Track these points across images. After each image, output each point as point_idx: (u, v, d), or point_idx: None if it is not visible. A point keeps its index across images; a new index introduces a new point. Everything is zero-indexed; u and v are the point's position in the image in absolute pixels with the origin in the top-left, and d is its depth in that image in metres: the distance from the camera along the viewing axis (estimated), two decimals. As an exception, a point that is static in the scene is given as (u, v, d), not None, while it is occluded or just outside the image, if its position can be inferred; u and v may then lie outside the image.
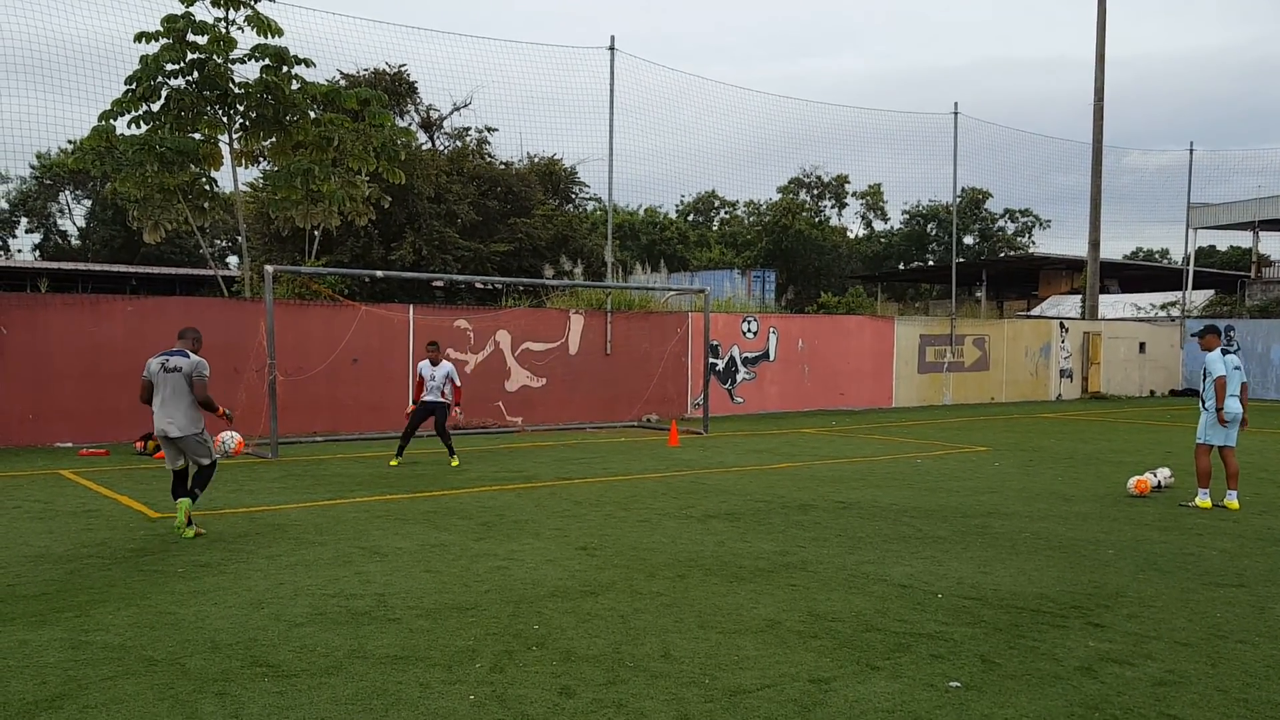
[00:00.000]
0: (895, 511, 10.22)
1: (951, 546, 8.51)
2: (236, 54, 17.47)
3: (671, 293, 24.22)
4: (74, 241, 53.79)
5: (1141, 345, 32.35)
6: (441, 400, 13.40)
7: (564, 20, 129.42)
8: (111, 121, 17.03)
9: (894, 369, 26.16)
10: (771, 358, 23.80)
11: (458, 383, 13.61)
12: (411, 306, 18.68)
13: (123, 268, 41.23)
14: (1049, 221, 66.07)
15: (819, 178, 65.12)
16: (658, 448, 16.13)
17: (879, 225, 69.69)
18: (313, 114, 18.33)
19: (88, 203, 52.29)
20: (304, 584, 7.03)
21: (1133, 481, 11.51)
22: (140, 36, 16.74)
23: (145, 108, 17.16)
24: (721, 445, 16.59)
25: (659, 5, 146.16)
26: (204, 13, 17.13)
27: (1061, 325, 30.52)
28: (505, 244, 29.18)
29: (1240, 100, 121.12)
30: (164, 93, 17.17)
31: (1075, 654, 5.66)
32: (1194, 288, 37.19)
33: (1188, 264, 35.51)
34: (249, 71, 17.69)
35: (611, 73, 20.79)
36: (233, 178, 18.54)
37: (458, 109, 32.80)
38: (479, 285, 27.78)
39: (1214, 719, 4.77)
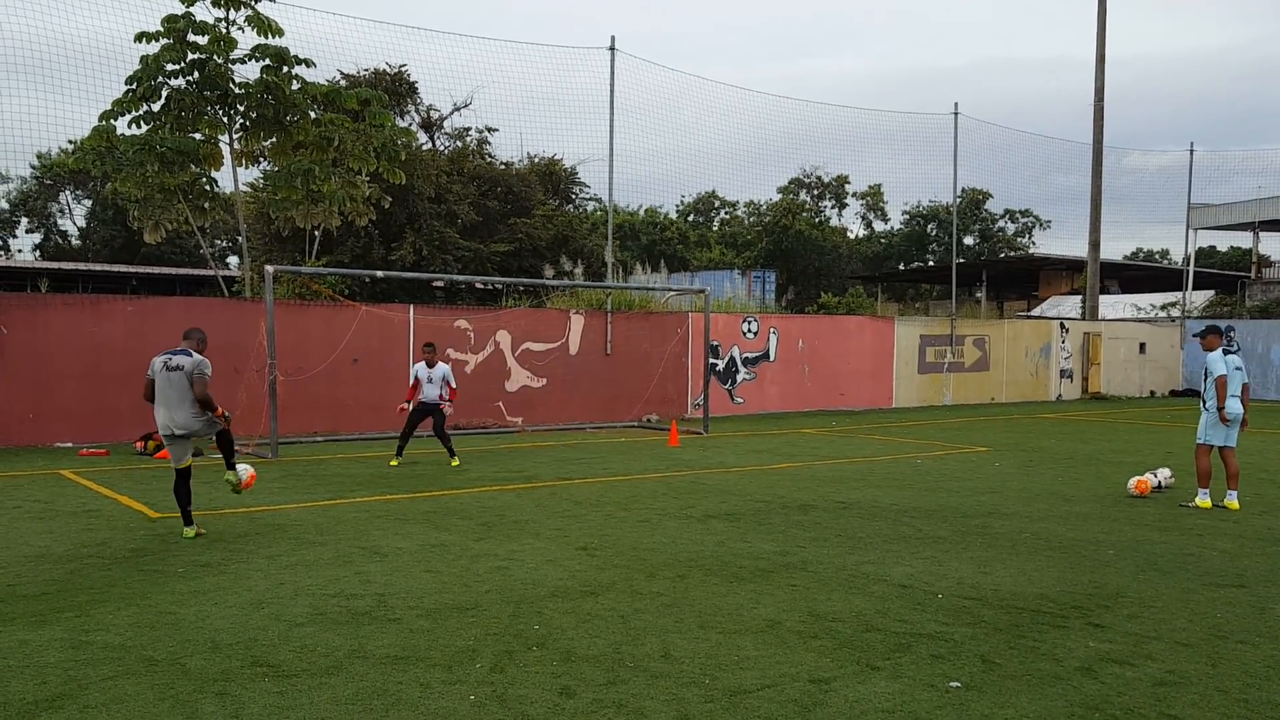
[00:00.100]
0: (895, 512, 10.22)
1: (952, 547, 8.51)
2: (237, 54, 17.48)
3: (672, 293, 24.22)
4: (74, 241, 53.79)
5: (1142, 346, 32.35)
6: (440, 401, 13.41)
7: (564, 20, 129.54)
8: (112, 121, 17.03)
9: (894, 369, 26.16)
10: (772, 358, 23.80)
11: (453, 384, 13.62)
12: (412, 307, 18.68)
13: (123, 268, 41.23)
14: (1049, 222, 66.12)
15: (819, 178, 65.13)
16: (658, 448, 16.12)
17: (879, 225, 69.74)
18: (313, 114, 18.33)
19: (88, 203, 52.29)
20: (304, 584, 7.03)
21: (1133, 482, 11.51)
22: (140, 36, 16.75)
23: (145, 108, 17.16)
24: (722, 445, 16.58)
25: (659, 5, 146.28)
26: (204, 13, 17.15)
27: (1062, 326, 30.52)
28: (505, 244, 29.18)
29: (1240, 100, 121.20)
30: (164, 93, 17.17)
31: (1075, 654, 5.66)
32: (1194, 288, 37.19)
33: (1188, 264, 35.50)
34: (249, 72, 17.72)
35: (611, 73, 20.79)
36: (233, 178, 18.56)
37: (458, 109, 32.84)
38: (479, 285, 27.78)
39: (1214, 719, 4.77)
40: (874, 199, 67.70)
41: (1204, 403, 10.84)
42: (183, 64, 17.04)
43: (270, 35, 17.46)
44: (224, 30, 17.23)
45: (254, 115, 17.80)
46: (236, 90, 17.50)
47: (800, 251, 53.66)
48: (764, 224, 57.91)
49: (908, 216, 67.00)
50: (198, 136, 17.72)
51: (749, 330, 23.37)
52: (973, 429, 20.15)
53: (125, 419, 15.60)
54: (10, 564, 7.60)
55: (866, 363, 25.57)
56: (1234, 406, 10.63)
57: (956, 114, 26.97)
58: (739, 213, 68.68)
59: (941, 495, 11.37)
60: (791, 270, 51.66)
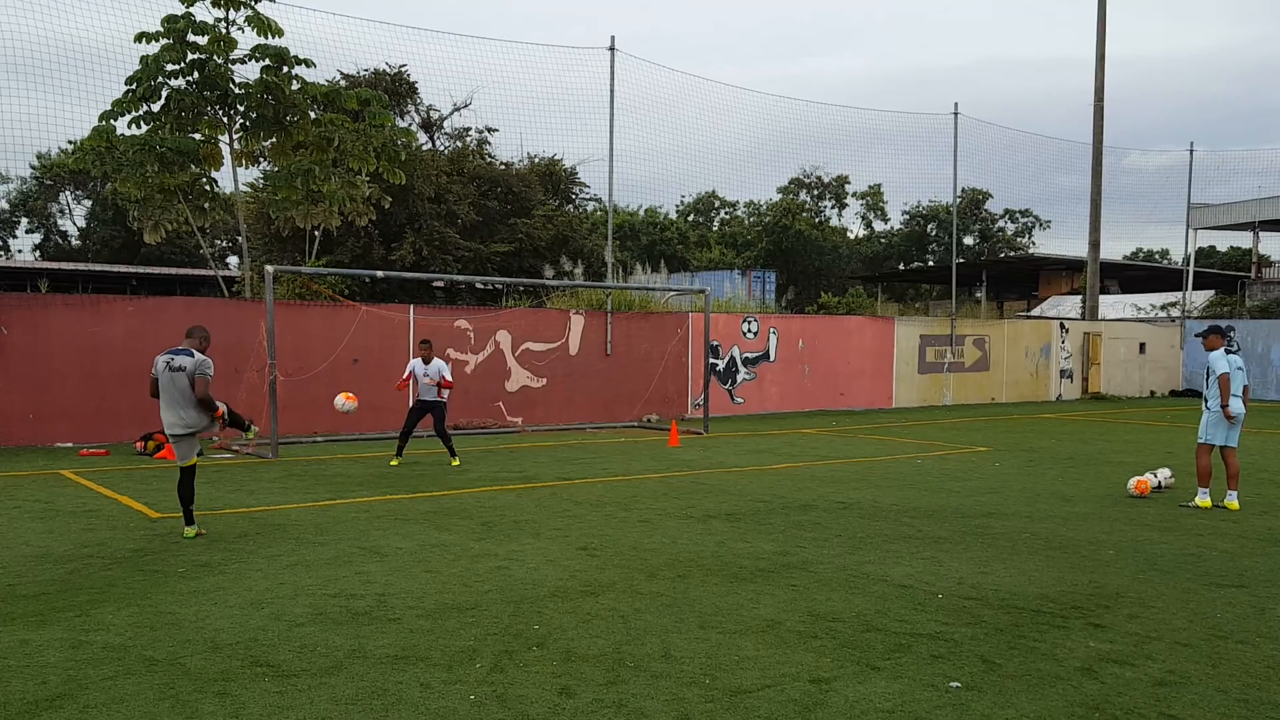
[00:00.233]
0: (896, 512, 10.22)
1: (952, 547, 8.51)
2: (237, 54, 17.49)
3: (672, 293, 24.23)
4: (74, 242, 53.79)
5: (1142, 346, 32.35)
6: (438, 399, 13.40)
7: (564, 20, 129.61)
8: (112, 122, 17.03)
9: (894, 369, 26.16)
10: (772, 358, 23.80)
11: (448, 377, 13.55)
12: (412, 307, 18.68)
13: (123, 268, 41.22)
14: (1049, 222, 66.11)
15: (819, 178, 65.07)
16: (658, 448, 16.12)
17: (879, 225, 69.71)
18: (313, 114, 18.33)
19: (88, 203, 52.28)
20: (304, 584, 7.03)
21: (1133, 482, 11.51)
22: (140, 37, 16.75)
23: (145, 108, 17.16)
24: (722, 445, 16.58)
25: (659, 5, 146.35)
26: (204, 13, 17.15)
27: (1062, 326, 30.52)
28: (505, 244, 29.18)
29: (1240, 100, 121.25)
30: (164, 93, 17.17)
31: (1076, 654, 5.66)
32: (1194, 288, 37.19)
33: (1188, 264, 35.50)
34: (249, 72, 17.72)
35: (612, 73, 20.80)
36: (233, 178, 18.56)
37: (458, 109, 32.83)
38: (479, 285, 27.78)
39: (1214, 719, 4.77)
40: (874, 199, 67.69)
41: (1206, 402, 10.84)
42: (183, 64, 17.04)
43: (270, 35, 17.46)
44: (224, 30, 17.23)
45: (254, 115, 17.80)
46: (236, 90, 17.50)
47: (800, 251, 53.68)
48: (764, 224, 57.92)
49: (908, 216, 67.00)
50: (198, 136, 17.72)
51: (749, 330, 23.37)
52: (973, 429, 20.15)
53: (125, 419, 15.60)
54: (10, 564, 7.60)
55: (866, 363, 25.57)
56: (1238, 405, 10.63)
57: (956, 114, 26.98)
58: (739, 213, 68.70)
59: (942, 495, 11.37)
60: (791, 270, 51.67)
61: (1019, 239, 67.77)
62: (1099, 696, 5.01)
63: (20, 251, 52.52)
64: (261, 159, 19.06)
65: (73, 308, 15.86)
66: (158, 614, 6.26)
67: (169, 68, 16.94)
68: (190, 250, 45.00)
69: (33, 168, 48.40)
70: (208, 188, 18.50)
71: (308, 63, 17.96)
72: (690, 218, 68.38)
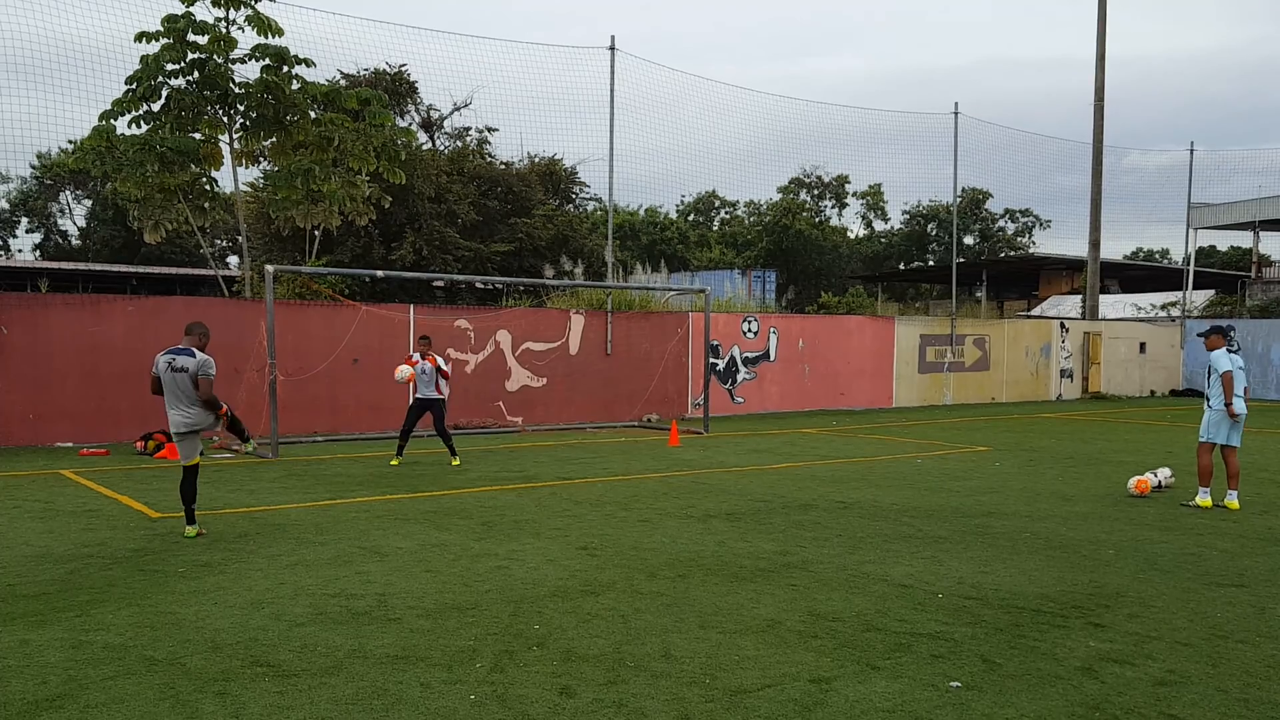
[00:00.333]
0: (896, 511, 10.22)
1: (952, 546, 8.51)
2: (237, 54, 17.48)
3: (672, 293, 24.23)
4: (74, 241, 53.79)
5: (1142, 345, 32.34)
6: (437, 396, 13.40)
7: (564, 20, 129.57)
8: (112, 121, 17.02)
9: (894, 369, 26.16)
10: (772, 358, 23.80)
11: (445, 369, 13.58)
12: (412, 306, 18.68)
13: (123, 268, 41.21)
14: (1049, 221, 66.16)
15: (819, 178, 65.10)
16: (658, 448, 16.12)
17: (879, 225, 69.74)
18: (313, 114, 18.33)
19: (88, 203, 52.28)
20: (304, 584, 7.03)
21: (1133, 481, 11.51)
22: (140, 36, 16.75)
23: (145, 108, 17.16)
24: (722, 445, 16.58)
25: (659, 5, 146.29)
26: (204, 13, 17.15)
27: (1062, 325, 30.52)
28: (505, 244, 29.18)
29: (1240, 100, 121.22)
30: (164, 93, 17.17)
31: (1076, 654, 5.66)
32: (1194, 288, 37.18)
33: (1188, 264, 35.50)
34: (249, 71, 17.72)
35: (612, 73, 20.80)
36: (233, 178, 18.56)
37: (458, 109, 32.84)
38: (479, 285, 27.78)
39: (1214, 719, 4.77)
40: (874, 199, 67.71)
41: (1208, 401, 10.85)
42: (183, 64, 17.03)
43: (270, 35, 17.46)
44: (224, 30, 17.23)
45: (254, 115, 17.80)
46: (236, 90, 17.50)
47: (800, 251, 53.69)
48: (764, 224, 57.94)
49: (908, 216, 67.04)
50: (198, 136, 17.72)
51: (749, 330, 23.37)
52: (973, 429, 20.14)
53: (125, 419, 15.60)
54: (10, 564, 7.60)
55: (867, 362, 25.57)
56: (1241, 404, 10.64)
57: (956, 114, 26.97)
58: (739, 212, 68.71)
59: (942, 495, 11.37)
60: (792, 270, 51.68)
61: (1019, 239, 67.80)
62: (1099, 696, 5.01)
63: (20, 251, 52.58)
64: (261, 159, 19.06)
65: (73, 307, 15.86)
66: (158, 614, 6.26)
67: (169, 67, 16.93)
68: (190, 250, 44.99)
69: (33, 167, 48.48)
70: (208, 187, 18.50)
71: (308, 62, 17.96)
72: (690, 217, 68.40)
